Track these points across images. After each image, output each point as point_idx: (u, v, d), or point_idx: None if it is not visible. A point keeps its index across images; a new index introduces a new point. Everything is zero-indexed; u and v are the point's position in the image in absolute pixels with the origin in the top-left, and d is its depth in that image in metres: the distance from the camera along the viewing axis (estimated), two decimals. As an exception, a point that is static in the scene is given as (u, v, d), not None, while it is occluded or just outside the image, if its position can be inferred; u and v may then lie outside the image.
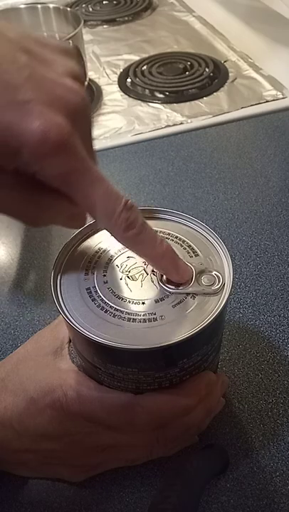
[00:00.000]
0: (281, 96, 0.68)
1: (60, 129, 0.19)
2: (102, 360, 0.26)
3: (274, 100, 0.68)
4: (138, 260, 0.27)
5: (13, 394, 0.29)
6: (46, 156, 0.19)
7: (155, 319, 0.24)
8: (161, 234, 0.28)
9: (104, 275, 0.27)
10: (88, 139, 0.22)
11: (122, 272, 0.27)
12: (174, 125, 0.65)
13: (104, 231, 0.29)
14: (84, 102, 0.21)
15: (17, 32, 0.21)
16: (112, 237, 0.28)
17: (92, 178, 0.21)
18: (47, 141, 0.19)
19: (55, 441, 0.29)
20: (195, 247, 0.28)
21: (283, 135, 0.63)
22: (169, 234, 0.28)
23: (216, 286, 0.25)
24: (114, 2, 0.98)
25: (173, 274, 0.25)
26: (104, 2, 0.99)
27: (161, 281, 0.26)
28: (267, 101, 0.68)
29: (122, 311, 0.25)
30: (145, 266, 0.27)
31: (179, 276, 0.25)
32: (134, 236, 0.23)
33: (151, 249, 0.24)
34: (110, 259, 0.27)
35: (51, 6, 0.71)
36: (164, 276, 0.26)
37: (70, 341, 0.31)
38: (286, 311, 0.42)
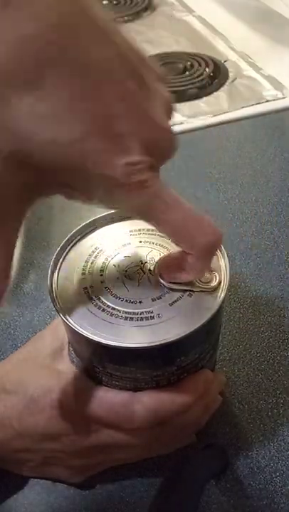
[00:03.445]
0: (281, 96, 0.68)
1: (145, 172, 0.19)
2: (100, 360, 0.26)
3: (274, 100, 0.68)
4: (135, 259, 0.27)
5: (13, 393, 0.29)
6: (122, 193, 0.20)
7: (152, 318, 0.24)
8: (158, 233, 0.29)
9: (101, 274, 0.27)
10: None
11: (119, 272, 0.27)
12: (174, 125, 0.64)
13: (101, 230, 0.29)
14: (175, 150, 0.21)
15: (122, 38, 0.19)
16: (109, 237, 0.29)
17: (169, 209, 0.21)
18: (128, 180, 0.19)
19: (55, 440, 0.29)
20: None
21: (283, 135, 0.62)
22: None
23: (212, 284, 0.25)
24: (114, 2, 0.98)
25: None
26: (104, 2, 0.99)
27: (159, 280, 0.26)
28: (267, 101, 0.68)
29: (119, 310, 0.25)
30: (142, 265, 0.27)
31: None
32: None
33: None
34: (107, 259, 0.27)
35: (51, 6, 0.71)
36: (162, 275, 0.26)
37: (69, 342, 0.31)
38: (286, 311, 0.42)
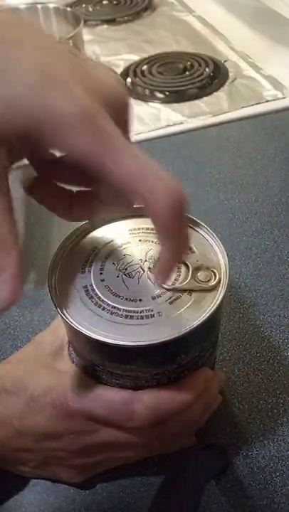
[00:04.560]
0: (281, 96, 0.68)
1: (90, 110, 0.19)
2: (100, 358, 0.26)
3: (274, 100, 0.68)
4: (134, 258, 0.27)
5: (13, 393, 0.29)
6: (73, 134, 0.19)
7: (152, 316, 0.25)
8: None
9: (101, 273, 0.27)
10: (124, 123, 0.22)
11: (119, 270, 0.27)
12: (174, 125, 0.65)
13: (100, 229, 0.29)
14: (119, 87, 0.22)
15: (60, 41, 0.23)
16: (108, 236, 0.29)
17: (123, 154, 0.20)
18: (75, 119, 0.19)
19: (55, 439, 0.29)
20: (191, 244, 0.28)
21: (283, 135, 0.62)
22: None
23: (212, 283, 0.25)
24: (114, 2, 0.98)
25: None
26: (104, 2, 0.99)
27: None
28: (267, 101, 0.68)
29: (119, 309, 0.25)
30: (141, 263, 0.27)
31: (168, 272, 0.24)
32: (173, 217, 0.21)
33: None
34: (106, 257, 0.27)
35: (51, 6, 0.71)
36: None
37: (69, 341, 0.31)
38: (286, 311, 0.42)
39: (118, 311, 0.25)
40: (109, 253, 0.28)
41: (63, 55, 0.21)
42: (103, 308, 0.25)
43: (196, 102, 0.69)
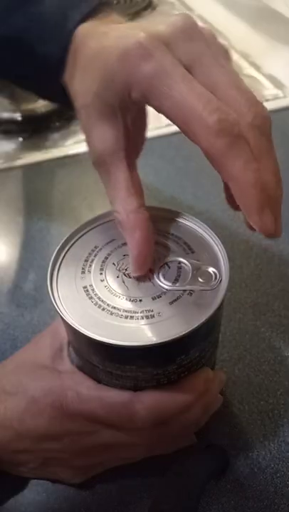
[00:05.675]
0: (282, 95, 0.68)
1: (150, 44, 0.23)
2: (100, 359, 0.26)
3: (274, 99, 0.68)
4: None
5: (13, 394, 0.29)
6: (136, 63, 0.23)
7: (152, 316, 0.24)
8: (157, 232, 0.29)
9: (101, 273, 0.27)
10: (191, 56, 0.23)
11: (119, 270, 0.27)
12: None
13: (100, 229, 0.29)
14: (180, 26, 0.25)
15: None
16: (108, 236, 0.28)
17: (176, 78, 0.21)
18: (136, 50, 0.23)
19: (56, 441, 0.29)
20: (191, 245, 0.28)
21: (283, 135, 0.62)
22: (165, 231, 0.29)
23: (212, 283, 0.25)
24: (114, 2, 0.98)
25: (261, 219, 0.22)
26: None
27: (158, 279, 0.26)
28: (267, 100, 0.68)
29: (119, 309, 0.25)
30: None
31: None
32: (226, 145, 0.20)
33: (242, 170, 0.21)
34: (106, 258, 0.27)
35: (51, 5, 0.71)
36: (161, 274, 0.26)
37: (69, 342, 0.30)
38: (287, 311, 0.42)
39: (118, 312, 0.25)
40: (109, 253, 0.28)
41: None
42: (103, 309, 0.25)
43: (197, 101, 0.68)
